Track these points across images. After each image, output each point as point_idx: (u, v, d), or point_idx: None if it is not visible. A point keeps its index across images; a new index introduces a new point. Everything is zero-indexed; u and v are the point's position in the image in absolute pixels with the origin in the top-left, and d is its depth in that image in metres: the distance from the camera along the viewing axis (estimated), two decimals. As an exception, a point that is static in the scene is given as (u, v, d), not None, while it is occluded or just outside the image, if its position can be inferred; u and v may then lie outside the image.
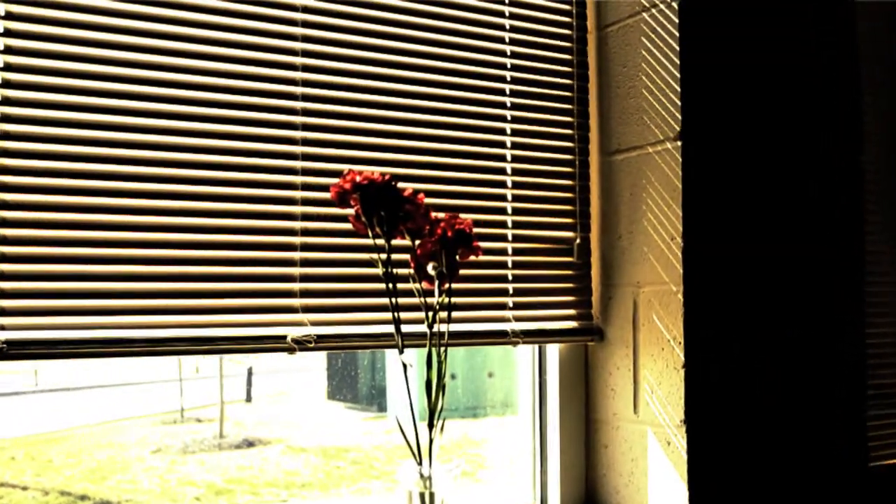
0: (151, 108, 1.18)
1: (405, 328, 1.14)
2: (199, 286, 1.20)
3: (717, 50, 1.44)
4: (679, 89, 1.40)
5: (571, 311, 1.52)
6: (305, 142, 1.28)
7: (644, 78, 1.47)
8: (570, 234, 1.52)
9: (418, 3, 1.39)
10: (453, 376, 1.75)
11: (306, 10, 1.29)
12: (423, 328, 1.12)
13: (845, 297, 1.54)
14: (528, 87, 1.49)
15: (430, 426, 1.10)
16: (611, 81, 1.54)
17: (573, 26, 1.53)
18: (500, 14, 1.46)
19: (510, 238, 1.46)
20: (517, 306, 1.45)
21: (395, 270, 1.09)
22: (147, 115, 1.17)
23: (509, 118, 1.47)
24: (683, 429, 1.37)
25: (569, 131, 1.53)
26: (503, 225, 1.46)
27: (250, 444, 1.69)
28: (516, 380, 1.61)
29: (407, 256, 1.12)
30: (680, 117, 1.40)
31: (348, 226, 1.16)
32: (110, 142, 1.15)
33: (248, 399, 1.74)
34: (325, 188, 1.28)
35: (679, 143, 1.40)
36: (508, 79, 1.47)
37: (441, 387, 1.10)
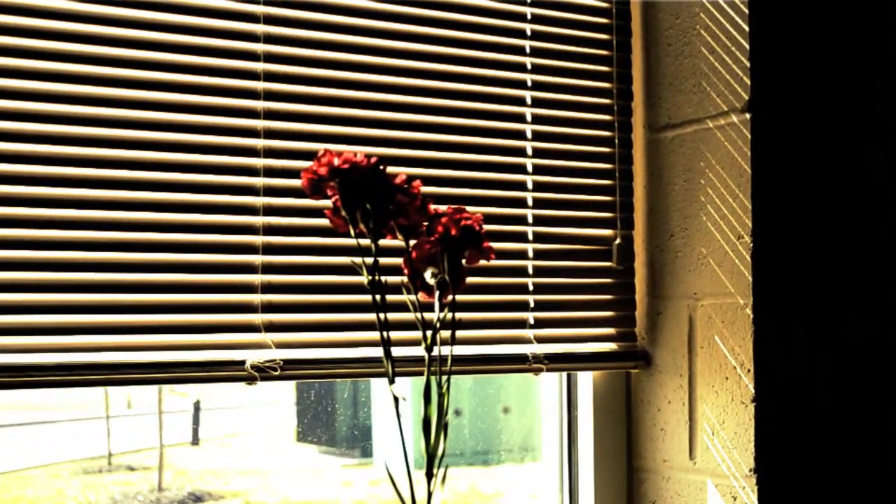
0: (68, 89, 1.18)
1: (397, 351, 1.14)
2: (131, 298, 1.20)
3: (797, -4, 1.44)
4: (748, 46, 1.40)
5: (609, 331, 1.52)
6: (268, 114, 1.28)
7: (703, 32, 1.47)
8: (607, 232, 1.52)
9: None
10: (458, 412, 1.75)
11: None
12: (419, 351, 1.12)
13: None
14: (554, 43, 1.49)
15: (429, 476, 1.10)
16: (660, 36, 1.54)
17: (612, -35, 1.54)
18: (519, -50, 1.47)
19: (531, 237, 1.46)
20: (540, 324, 1.45)
21: (384, 279, 1.09)
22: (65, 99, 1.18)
23: (529, 84, 1.47)
24: (753, 480, 1.37)
25: (606, 100, 1.53)
26: (522, 221, 1.46)
27: (197, 499, 1.68)
28: (538, 417, 1.61)
29: (399, 261, 1.12)
30: (749, 82, 1.40)
31: (324, 222, 1.16)
32: (24, 135, 1.16)
33: (195, 441, 1.74)
34: (294, 173, 1.28)
35: (748, 116, 1.40)
36: (528, 33, 1.47)
37: (443, 426, 1.10)
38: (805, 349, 1.41)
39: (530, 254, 1.46)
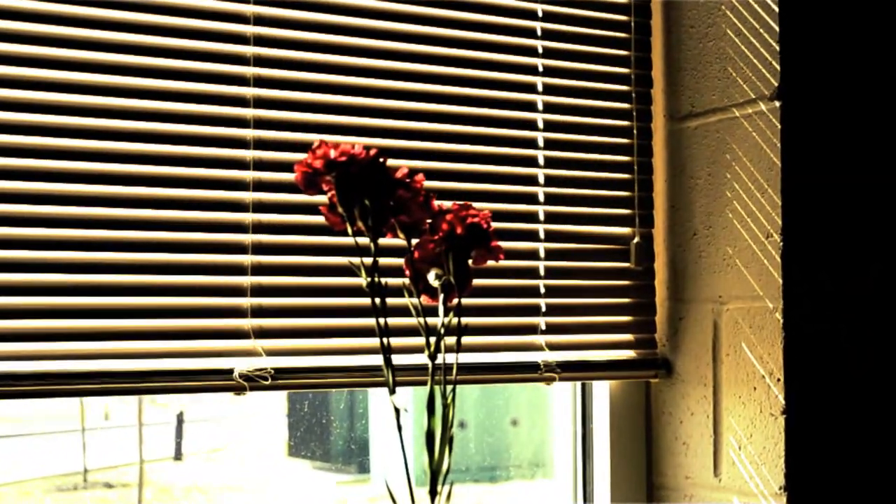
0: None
1: (398, 359, 1.14)
2: (107, 301, 1.20)
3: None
4: (778, 28, 1.40)
5: (627, 337, 1.52)
6: (258, 102, 1.28)
7: (729, 13, 1.46)
8: (625, 230, 1.52)
9: None
10: (463, 425, 1.75)
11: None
12: (422, 359, 1.12)
13: None
14: (567, 25, 1.49)
15: (432, 494, 1.10)
16: (682, 18, 1.54)
17: (630, -59, 1.54)
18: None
19: (543, 236, 1.46)
20: (552, 329, 1.45)
21: (384, 280, 1.09)
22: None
23: (540, 69, 1.47)
24: (784, 498, 1.37)
25: (623, 87, 1.53)
26: (533, 218, 1.46)
27: (181, 518, 1.69)
28: (550, 430, 1.61)
29: (400, 261, 1.12)
30: (779, 68, 1.40)
31: (319, 219, 1.16)
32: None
33: (178, 456, 1.74)
34: (286, 167, 1.28)
35: (777, 104, 1.40)
36: (539, 14, 1.47)
37: (447, 440, 1.09)
38: (840, 357, 1.41)
39: (542, 254, 1.45)
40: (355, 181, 1.05)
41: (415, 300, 1.11)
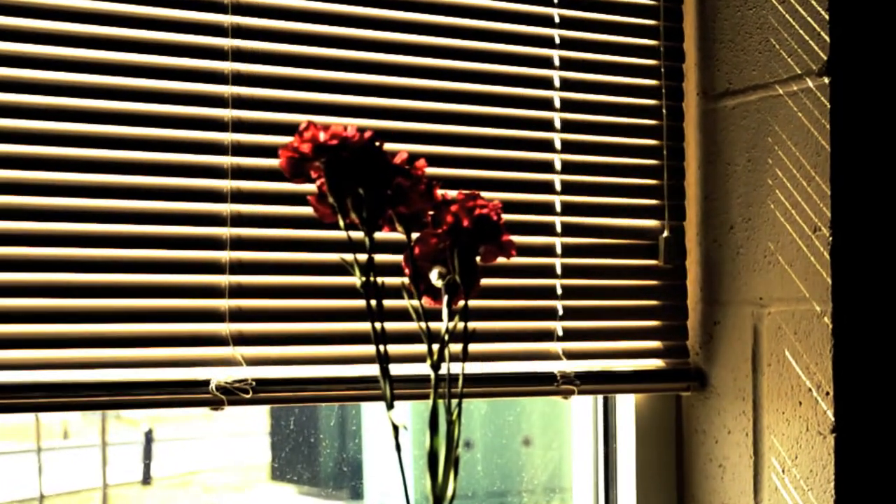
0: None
1: (396, 369, 1.14)
2: (65, 303, 1.20)
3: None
4: (827, -6, 1.40)
5: (655, 344, 1.52)
6: (237, 78, 1.28)
7: (771, -23, 1.47)
8: (652, 223, 1.52)
9: None
10: (469, 444, 1.75)
11: None
12: (423, 369, 1.12)
13: None
14: (588, -10, 1.49)
15: (435, 524, 1.10)
16: (718, -18, 1.54)
17: None
18: None
19: (559, 230, 1.46)
20: (570, 335, 1.45)
21: (380, 280, 1.09)
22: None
23: (558, 41, 1.47)
24: (833, 529, 1.37)
25: (651, 62, 1.53)
26: (549, 209, 1.46)
27: (150, 550, 1.69)
28: (567, 451, 1.61)
29: (399, 258, 1.12)
30: (828, 39, 1.39)
31: (307, 211, 1.16)
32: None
33: (147, 480, 1.74)
34: (270, 151, 1.28)
35: (826, 80, 1.39)
36: (557, -22, 1.47)
37: (452, 461, 1.09)
38: (897, 367, 1.41)
39: (559, 249, 1.46)
40: (348, 167, 1.06)
41: (415, 302, 1.11)
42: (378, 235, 1.08)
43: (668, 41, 1.54)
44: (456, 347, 1.10)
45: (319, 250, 1.31)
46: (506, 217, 1.11)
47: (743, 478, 1.48)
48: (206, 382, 1.24)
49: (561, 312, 1.45)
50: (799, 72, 1.43)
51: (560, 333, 1.45)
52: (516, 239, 1.13)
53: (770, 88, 1.46)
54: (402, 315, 1.13)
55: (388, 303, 1.09)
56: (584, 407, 1.59)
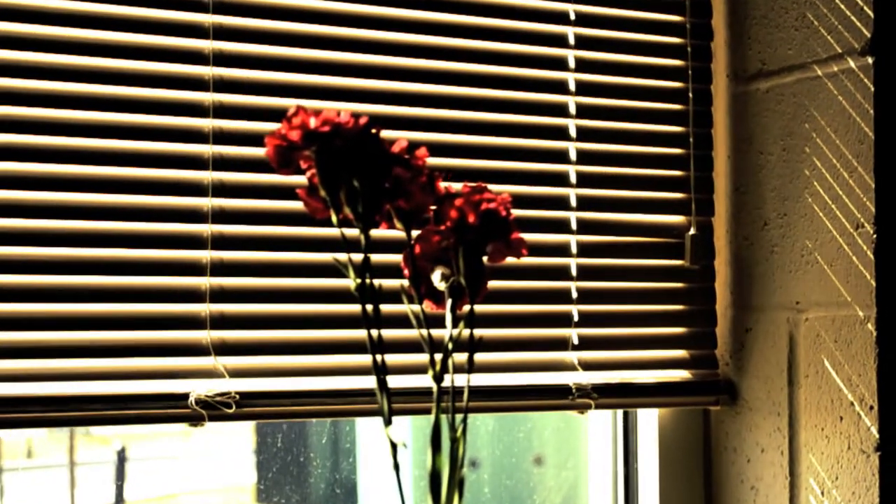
0: None
1: (394, 381, 1.14)
2: (30, 309, 1.20)
3: None
4: (870, -34, 1.40)
5: (681, 353, 1.52)
6: (218, 58, 1.28)
7: (809, -54, 1.47)
8: (678, 219, 1.52)
9: None
10: (475, 464, 1.75)
11: None
12: (425, 381, 1.12)
13: None
14: (607, -38, 1.49)
15: (438, 552, 1.10)
16: (750, -47, 1.54)
17: None
18: None
19: (574, 227, 1.46)
20: (586, 343, 1.46)
21: (377, 282, 1.09)
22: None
23: (573, 17, 1.47)
24: (877, 557, 1.37)
25: (676, 40, 1.53)
26: (563, 204, 1.46)
27: (122, 580, 1.69)
28: (584, 471, 1.61)
29: (398, 258, 1.12)
30: (871, 14, 1.39)
31: (297, 205, 1.16)
32: None
33: (119, 503, 1.75)
34: (254, 139, 1.28)
35: (870, 60, 1.39)
36: (572, -52, 1.48)
37: (456, 482, 1.09)
38: (948, 378, 1.41)
39: (574, 249, 1.46)
40: (341, 157, 1.05)
41: (416, 307, 1.11)
42: (375, 233, 1.08)
43: (694, 17, 1.54)
44: (460, 357, 1.10)
45: (310, 249, 1.31)
46: (516, 212, 1.11)
47: (778, 501, 1.48)
48: (185, 396, 1.24)
49: (576, 318, 1.45)
50: (840, 51, 1.43)
51: (575, 342, 1.45)
52: (527, 237, 1.13)
53: (808, 69, 1.46)
54: (401, 321, 1.13)
55: (385, 307, 1.08)
56: (602, 423, 1.59)
